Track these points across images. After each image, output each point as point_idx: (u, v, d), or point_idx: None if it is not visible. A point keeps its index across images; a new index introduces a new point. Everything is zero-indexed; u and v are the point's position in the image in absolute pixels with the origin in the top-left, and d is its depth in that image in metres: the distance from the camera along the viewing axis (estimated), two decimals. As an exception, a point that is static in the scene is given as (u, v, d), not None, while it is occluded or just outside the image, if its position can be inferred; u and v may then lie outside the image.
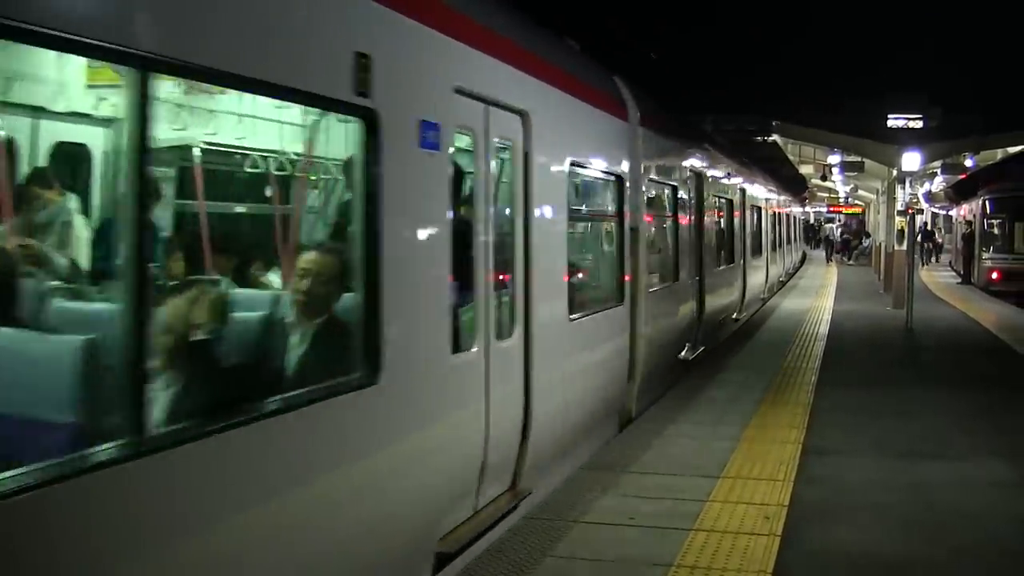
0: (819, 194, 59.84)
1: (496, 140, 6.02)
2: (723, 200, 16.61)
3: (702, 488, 6.65)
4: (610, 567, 5.25)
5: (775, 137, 34.07)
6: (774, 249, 26.12)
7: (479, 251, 5.73)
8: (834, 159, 33.56)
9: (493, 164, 6.02)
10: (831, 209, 68.69)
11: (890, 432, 8.58)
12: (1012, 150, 31.11)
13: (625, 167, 9.24)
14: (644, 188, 9.79)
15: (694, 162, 13.31)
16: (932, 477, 7.14)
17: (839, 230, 56.15)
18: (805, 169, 45.95)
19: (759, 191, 22.62)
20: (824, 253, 49.36)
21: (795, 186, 43.48)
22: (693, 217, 13.03)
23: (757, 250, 21.59)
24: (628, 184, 9.23)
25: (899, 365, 12.98)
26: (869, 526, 5.99)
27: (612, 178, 9.05)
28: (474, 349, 5.62)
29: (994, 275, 27.41)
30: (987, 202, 29.33)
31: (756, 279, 21.04)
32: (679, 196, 12.04)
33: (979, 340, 15.78)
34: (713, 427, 8.65)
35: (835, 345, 14.51)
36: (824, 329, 16.60)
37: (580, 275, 8.53)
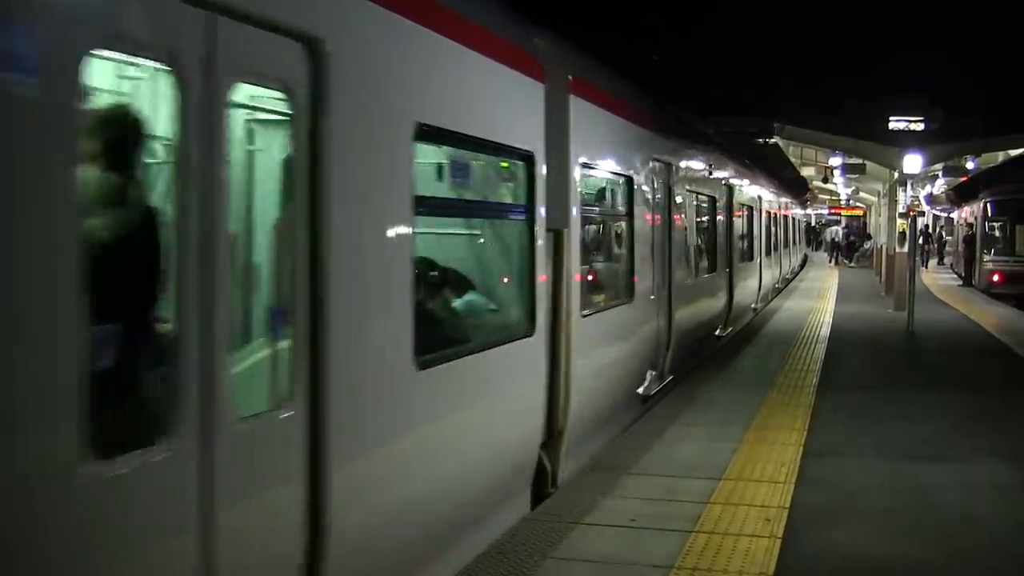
0: (820, 196, 59.91)
1: (243, 80, 3.67)
2: (704, 197, 14.34)
3: (703, 490, 6.63)
4: (610, 568, 5.23)
5: (776, 139, 34.07)
6: (769, 253, 23.82)
7: (189, 270, 3.30)
8: (835, 161, 33.60)
9: (234, 120, 3.75)
10: (832, 211, 68.72)
11: (891, 434, 8.57)
12: (1014, 152, 31.15)
13: (538, 144, 6.63)
14: (577, 177, 7.43)
15: (663, 149, 10.83)
16: (933, 479, 7.12)
17: (843, 232, 55.98)
18: (807, 171, 46.01)
19: (752, 189, 20.63)
20: (827, 255, 49.46)
21: (795, 187, 43.43)
22: (659, 217, 10.56)
23: (748, 255, 19.50)
24: (543, 169, 6.65)
25: (900, 367, 12.97)
26: (870, 529, 5.98)
27: (513, 159, 6.56)
28: (168, 450, 3.15)
29: (995, 277, 27.45)
30: (988, 204, 29.37)
31: (746, 288, 18.76)
32: (639, 190, 9.48)
33: (980, 342, 15.77)
34: (714, 429, 8.63)
35: (836, 347, 14.49)
36: (825, 331, 16.58)
37: (447, 301, 6.21)
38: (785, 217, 30.65)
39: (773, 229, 25.61)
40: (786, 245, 30.53)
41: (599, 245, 9.53)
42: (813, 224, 63.34)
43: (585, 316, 7.59)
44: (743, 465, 7.33)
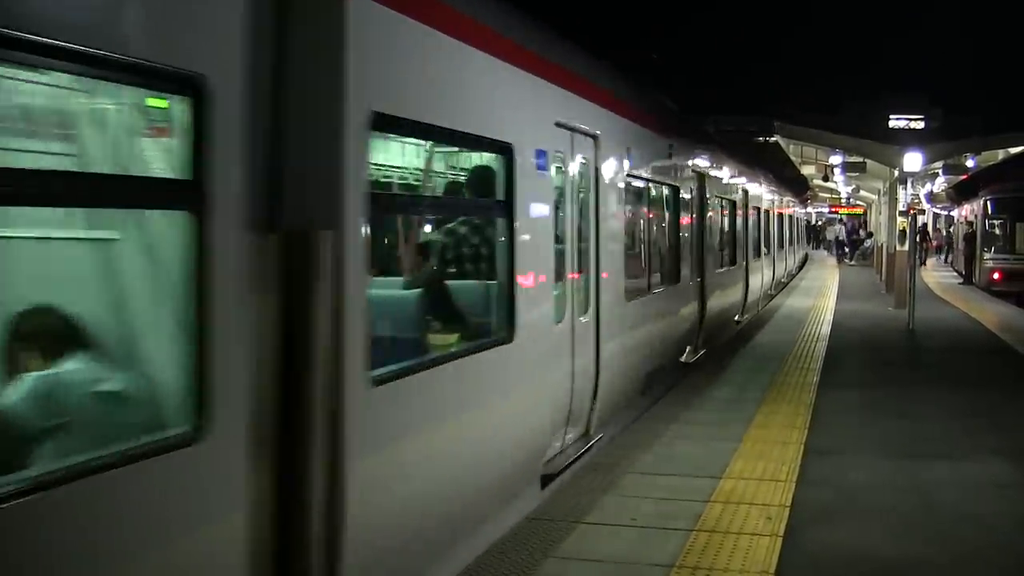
0: (821, 195, 59.95)
1: None
2: (661, 188, 11.10)
3: (704, 489, 6.63)
4: (612, 568, 5.23)
5: (776, 137, 34.09)
6: (759, 256, 20.80)
7: None
8: (836, 159, 33.61)
9: None
10: (832, 209, 68.77)
11: (892, 432, 8.57)
12: (1014, 150, 31.17)
13: (222, 65, 3.49)
14: (365, 137, 4.32)
15: (580, 114, 7.50)
16: (934, 478, 7.12)
17: (845, 229, 55.86)
18: (807, 169, 46.07)
19: (736, 180, 17.39)
20: (830, 254, 49.46)
21: (794, 184, 43.25)
22: (575, 212, 7.38)
23: (729, 259, 16.55)
24: (237, 112, 3.53)
25: (901, 365, 12.96)
26: (871, 527, 5.97)
27: (146, 87, 3.49)
28: None
29: (995, 275, 27.48)
30: (988, 202, 29.39)
31: (726, 299, 15.69)
32: (528, 171, 6.27)
33: (981, 340, 15.76)
34: (714, 427, 8.62)
35: (837, 345, 14.48)
36: (826, 329, 16.57)
37: None
38: (781, 215, 28.45)
39: (766, 228, 22.66)
40: (782, 246, 28.02)
41: (443, 258, 6.24)
42: (814, 223, 63.29)
43: (385, 382, 4.44)
44: (744, 464, 7.32)
